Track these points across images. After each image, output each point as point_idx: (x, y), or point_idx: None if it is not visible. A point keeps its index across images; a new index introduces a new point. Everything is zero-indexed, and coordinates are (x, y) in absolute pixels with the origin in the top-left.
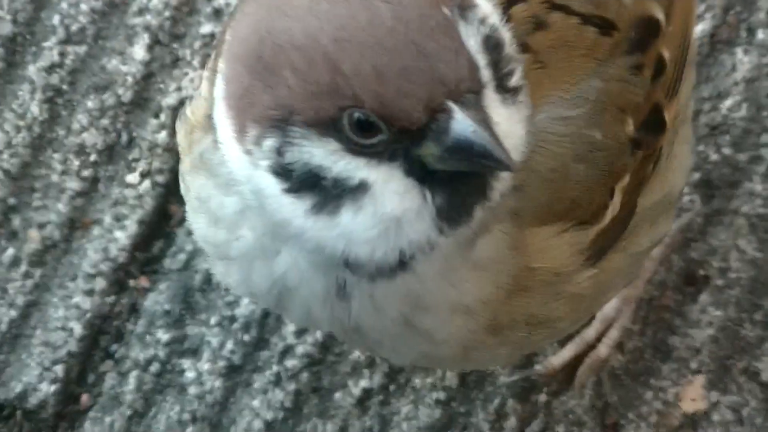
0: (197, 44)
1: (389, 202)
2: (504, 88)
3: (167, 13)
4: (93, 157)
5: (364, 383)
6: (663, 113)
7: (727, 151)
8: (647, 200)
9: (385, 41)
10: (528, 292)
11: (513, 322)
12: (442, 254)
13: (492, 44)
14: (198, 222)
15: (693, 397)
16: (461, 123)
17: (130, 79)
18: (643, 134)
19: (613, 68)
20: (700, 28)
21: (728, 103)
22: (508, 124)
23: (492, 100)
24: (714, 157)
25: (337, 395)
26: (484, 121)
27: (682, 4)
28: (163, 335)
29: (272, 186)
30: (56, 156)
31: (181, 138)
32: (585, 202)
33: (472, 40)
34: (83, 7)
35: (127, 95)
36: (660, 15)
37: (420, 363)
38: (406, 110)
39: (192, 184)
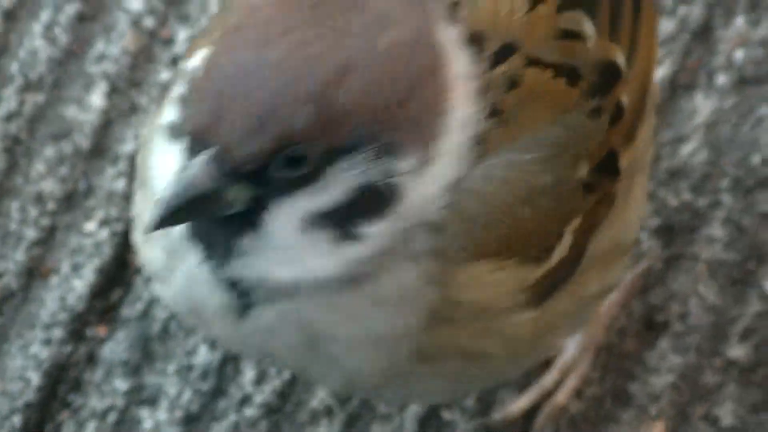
0: (155, 91)
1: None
2: (340, 224)
3: (125, 61)
4: (51, 206)
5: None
6: (617, 159)
7: (686, 196)
8: (598, 245)
9: (247, 69)
10: (453, 324)
11: (441, 352)
12: (332, 287)
13: (365, 189)
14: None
15: None
16: (183, 162)
17: (88, 127)
18: (597, 178)
19: (573, 115)
20: (659, 73)
21: (688, 147)
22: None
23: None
24: (673, 202)
25: None
26: (188, 184)
27: (644, 51)
28: (121, 384)
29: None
30: (14, 204)
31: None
32: (525, 242)
33: (351, 173)
34: (41, 55)
35: (85, 143)
36: (621, 60)
37: (354, 391)
38: (191, 122)
39: (135, 203)
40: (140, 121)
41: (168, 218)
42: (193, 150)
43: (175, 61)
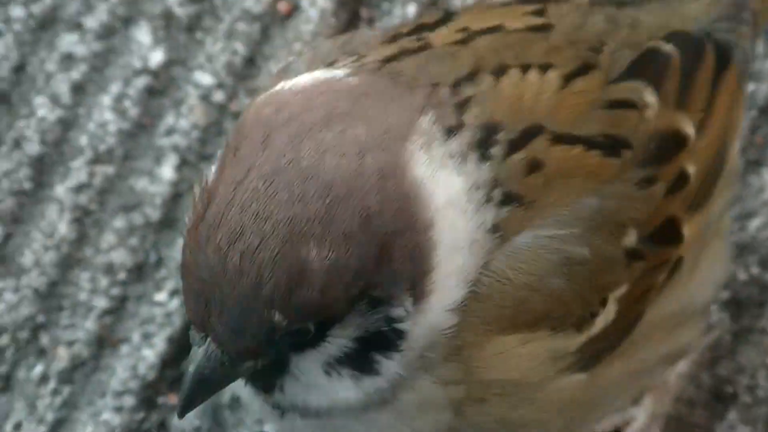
0: None
1: None
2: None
3: (195, 134)
4: (121, 276)
5: None
6: (679, 226)
7: (755, 270)
8: (660, 310)
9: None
10: (486, 402)
11: (481, 427)
12: (359, 409)
13: (370, 337)
14: None
15: None
16: (193, 348)
17: (158, 199)
18: (649, 246)
19: (616, 185)
20: None
21: (756, 222)
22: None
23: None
24: (742, 276)
25: None
26: (198, 374)
27: (721, 119)
28: None
29: None
30: (84, 275)
31: None
32: (558, 313)
33: (350, 330)
34: (111, 127)
35: (155, 215)
36: (689, 129)
37: None
38: (187, 309)
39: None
40: None
41: (192, 402)
42: (197, 336)
43: None
